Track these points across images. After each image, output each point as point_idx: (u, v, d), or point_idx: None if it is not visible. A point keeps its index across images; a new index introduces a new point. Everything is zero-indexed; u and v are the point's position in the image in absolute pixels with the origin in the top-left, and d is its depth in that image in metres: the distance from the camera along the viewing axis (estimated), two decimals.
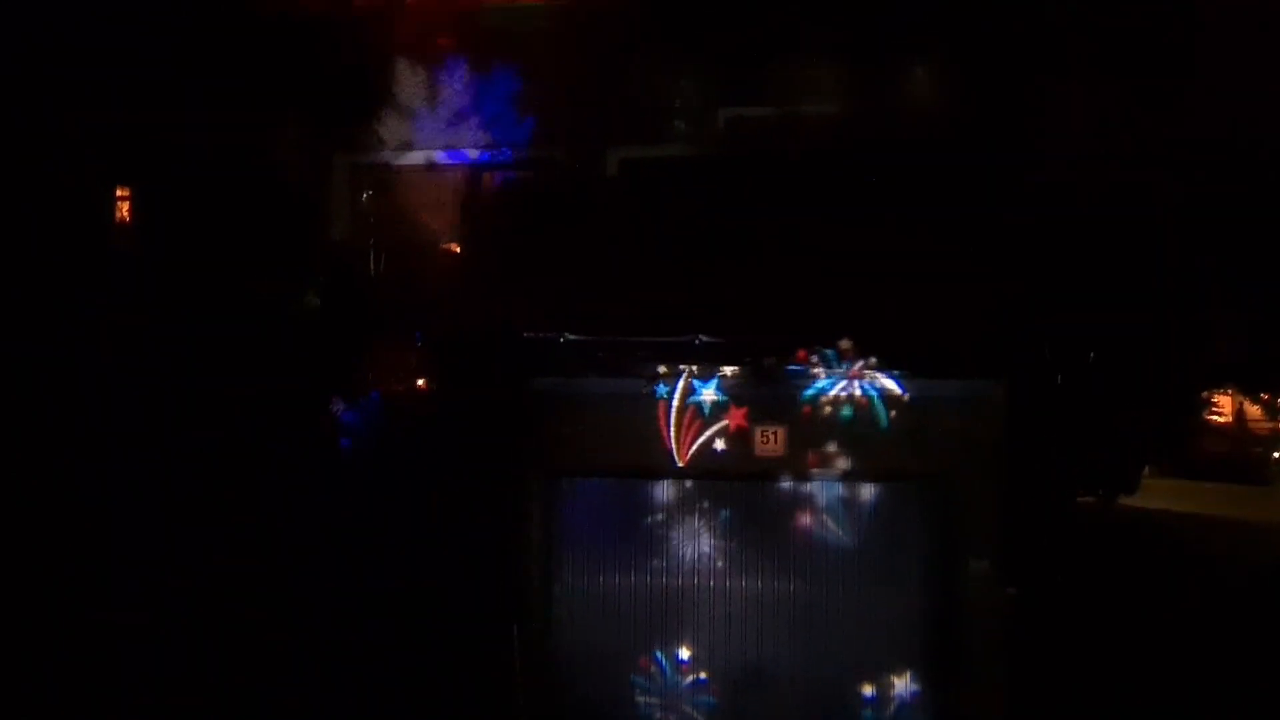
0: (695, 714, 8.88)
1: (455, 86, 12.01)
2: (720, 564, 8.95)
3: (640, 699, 8.93)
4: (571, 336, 8.57)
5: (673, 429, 8.79)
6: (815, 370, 8.50)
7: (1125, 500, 12.55)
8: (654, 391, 8.70)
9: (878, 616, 8.87)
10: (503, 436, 8.47)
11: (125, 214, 12.20)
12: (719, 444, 8.70)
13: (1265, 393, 18.96)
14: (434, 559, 8.21)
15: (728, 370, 8.76)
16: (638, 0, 11.05)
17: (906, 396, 8.61)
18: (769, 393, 8.64)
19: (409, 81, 12.04)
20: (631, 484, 9.19)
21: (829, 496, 8.98)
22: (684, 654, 8.94)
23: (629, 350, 8.61)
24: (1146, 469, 13.46)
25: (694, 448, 8.78)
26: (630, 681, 8.98)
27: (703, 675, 8.94)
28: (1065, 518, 8.43)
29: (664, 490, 9.10)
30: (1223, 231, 9.70)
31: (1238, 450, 19.85)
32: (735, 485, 8.93)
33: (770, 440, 8.77)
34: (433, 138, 12.09)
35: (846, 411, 8.67)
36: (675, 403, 8.78)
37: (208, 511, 7.78)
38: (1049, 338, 8.31)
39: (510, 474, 8.66)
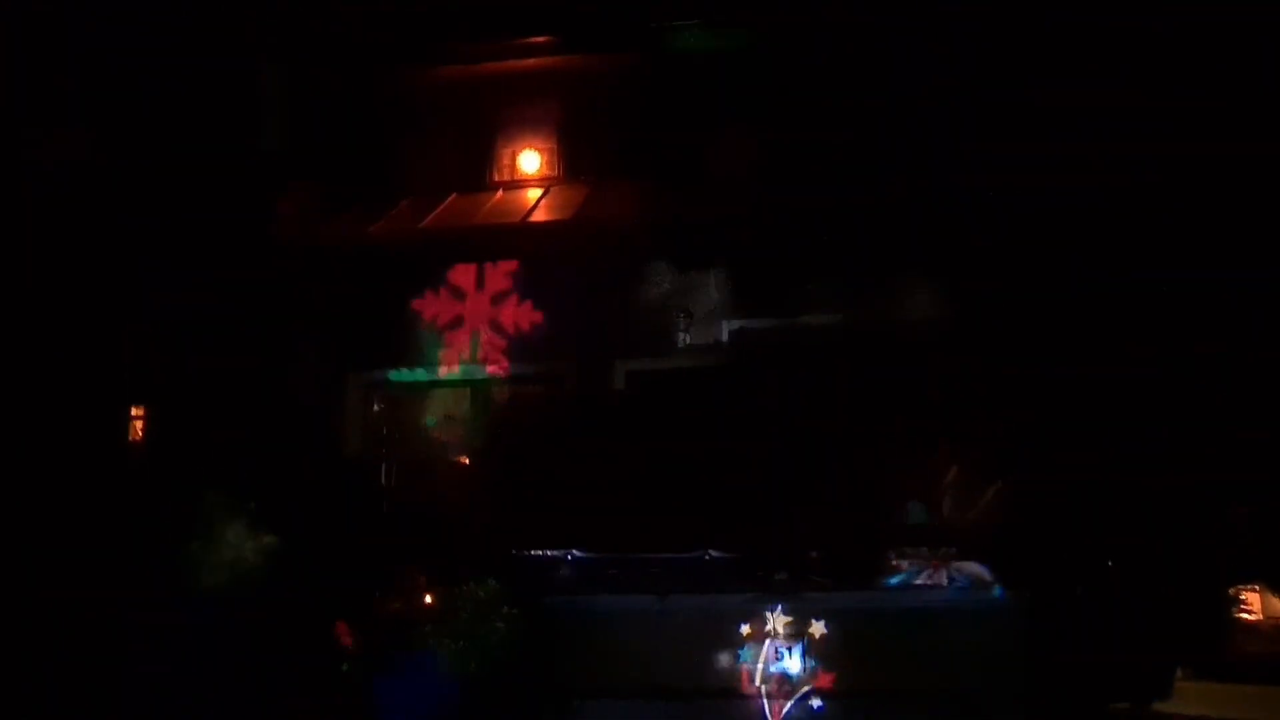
0: None
1: (465, 305, 12.38)
2: None
3: None
4: (579, 554, 8.48)
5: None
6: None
7: (1159, 706, 12.10)
8: (665, 610, 8.53)
9: None
10: (513, 658, 8.27)
11: (139, 434, 12.41)
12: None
13: None
14: None
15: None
16: (639, 222, 11.52)
17: (932, 607, 8.42)
18: None
19: (420, 301, 12.43)
20: (640, 705, 8.92)
21: None
22: None
23: (638, 567, 8.49)
24: (1179, 672, 13.03)
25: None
26: None
27: None
28: None
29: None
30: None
31: (1272, 649, 19.28)
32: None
33: (785, 656, 8.55)
34: (442, 355, 12.38)
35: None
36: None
37: None
38: (1069, 544, 8.19)
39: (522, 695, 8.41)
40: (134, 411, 12.36)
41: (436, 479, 11.92)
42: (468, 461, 11.47)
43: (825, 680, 8.52)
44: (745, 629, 8.61)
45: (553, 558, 8.52)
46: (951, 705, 8.35)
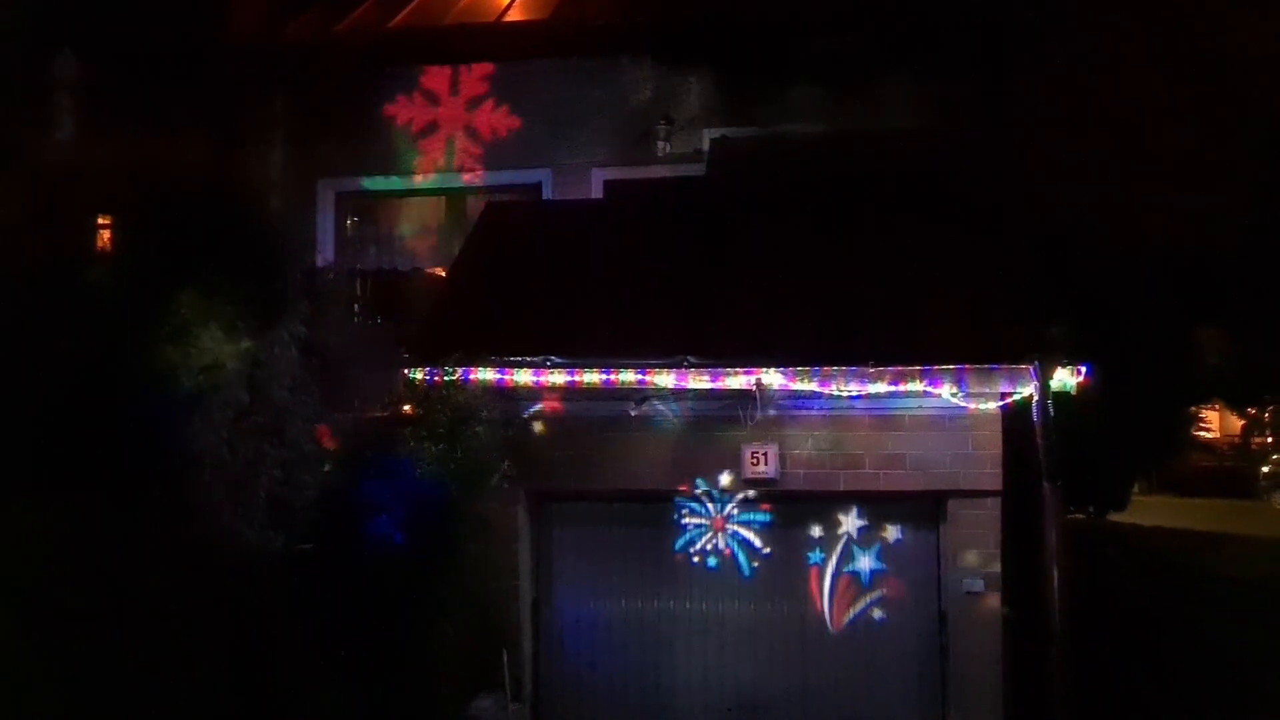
0: None
1: (438, 109, 12.00)
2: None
3: None
4: (556, 360, 8.47)
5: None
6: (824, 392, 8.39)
7: (1115, 517, 12.54)
8: (646, 417, 8.62)
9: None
10: (491, 460, 8.36)
11: (105, 243, 12.11)
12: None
13: (1251, 407, 19.13)
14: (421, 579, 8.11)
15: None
16: (622, 21, 11.09)
17: (906, 416, 8.54)
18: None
19: (392, 106, 12.03)
20: (619, 508, 9.14)
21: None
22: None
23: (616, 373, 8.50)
24: (1136, 485, 13.45)
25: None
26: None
27: None
28: (1058, 536, 8.35)
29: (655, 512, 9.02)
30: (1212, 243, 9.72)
31: (1226, 465, 20.10)
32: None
33: (761, 461, 8.70)
34: (417, 161, 12.08)
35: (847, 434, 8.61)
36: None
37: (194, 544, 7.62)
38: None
39: (500, 497, 8.56)
40: (101, 220, 12.02)
41: (411, 290, 11.82)
42: (444, 273, 11.33)
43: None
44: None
45: (530, 363, 8.49)
46: None
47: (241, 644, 7.50)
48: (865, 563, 8.85)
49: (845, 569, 8.87)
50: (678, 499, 8.92)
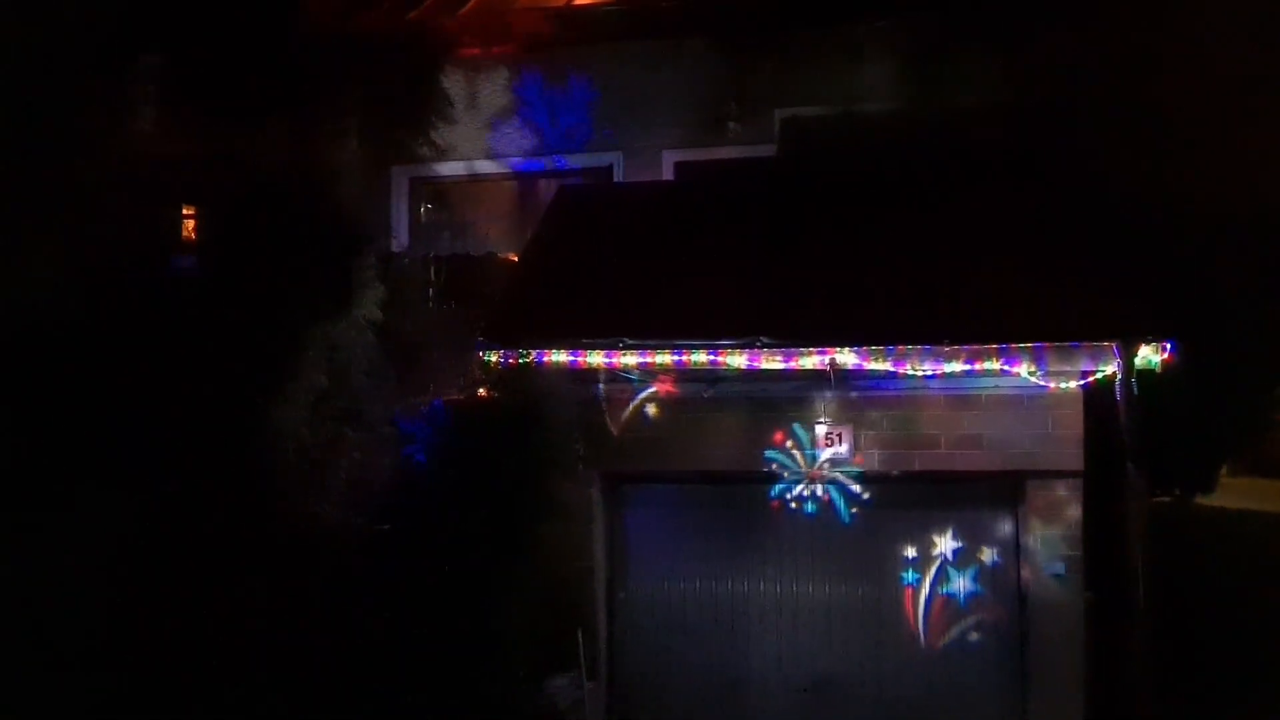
0: None
1: (510, 95, 12.07)
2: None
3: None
4: (629, 341, 8.48)
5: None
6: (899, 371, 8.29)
7: (1203, 500, 12.20)
8: (719, 398, 8.60)
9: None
10: (565, 442, 8.43)
11: (190, 232, 12.39)
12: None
13: None
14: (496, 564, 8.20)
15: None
16: (692, 1, 11.02)
17: (983, 395, 8.41)
18: None
19: (464, 91, 12.11)
20: (692, 489, 9.15)
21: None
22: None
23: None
24: (1224, 467, 13.09)
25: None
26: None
27: None
28: (1142, 519, 8.15)
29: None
30: None
31: None
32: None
33: (835, 442, 8.65)
34: (489, 147, 12.16)
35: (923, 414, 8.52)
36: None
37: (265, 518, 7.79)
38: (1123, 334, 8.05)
39: (574, 479, 8.62)
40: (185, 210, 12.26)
41: (484, 274, 11.89)
42: (516, 257, 11.40)
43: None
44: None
45: (603, 345, 8.51)
46: None
47: (322, 623, 7.68)
48: (944, 544, 8.75)
49: (924, 552, 8.77)
50: (751, 480, 8.90)
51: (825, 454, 8.68)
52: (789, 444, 8.75)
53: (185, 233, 12.32)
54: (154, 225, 10.45)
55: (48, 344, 7.63)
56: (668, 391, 8.77)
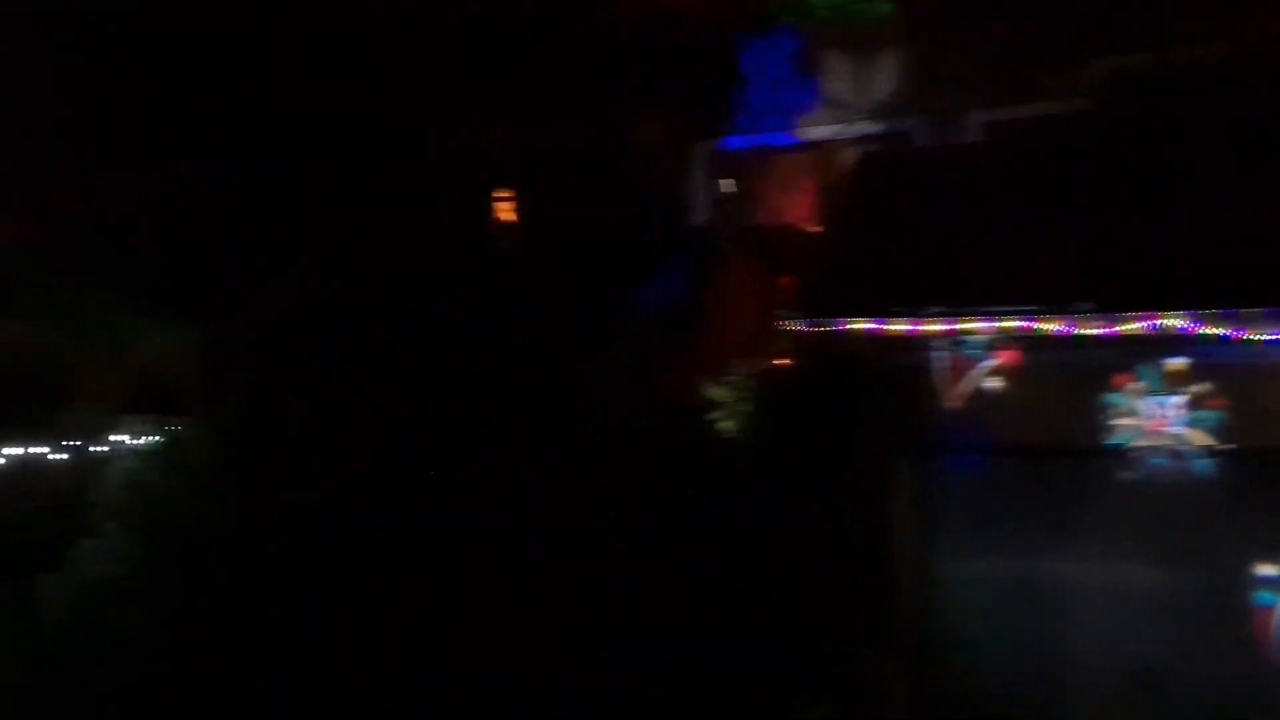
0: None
1: (806, 64, 12.01)
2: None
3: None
4: (938, 309, 8.28)
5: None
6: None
7: None
8: (1034, 368, 8.24)
9: None
10: (873, 412, 8.35)
11: (506, 216, 13.18)
12: None
13: None
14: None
15: None
16: None
17: None
18: None
19: (760, 65, 12.17)
20: (1008, 464, 8.81)
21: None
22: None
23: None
24: None
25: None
26: None
27: None
28: None
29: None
30: None
31: None
32: None
33: (1163, 415, 8.09)
34: (785, 118, 12.16)
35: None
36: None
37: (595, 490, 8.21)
38: None
39: (883, 451, 8.53)
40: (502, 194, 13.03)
41: (785, 245, 11.93)
42: (817, 227, 11.37)
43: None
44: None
45: (914, 314, 8.36)
46: None
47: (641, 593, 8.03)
48: None
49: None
50: (1071, 456, 8.46)
51: (1152, 426, 8.12)
52: (1107, 417, 8.25)
53: (502, 215, 13.18)
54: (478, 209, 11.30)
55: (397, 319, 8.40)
56: (991, 360, 8.48)
